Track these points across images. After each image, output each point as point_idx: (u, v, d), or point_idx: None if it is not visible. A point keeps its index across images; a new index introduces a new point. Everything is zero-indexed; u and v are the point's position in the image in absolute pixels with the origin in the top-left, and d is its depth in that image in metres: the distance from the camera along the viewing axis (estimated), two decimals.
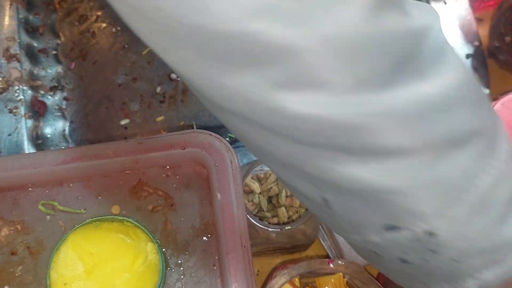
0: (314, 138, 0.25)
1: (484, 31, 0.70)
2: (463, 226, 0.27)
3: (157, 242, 0.42)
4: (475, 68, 0.66)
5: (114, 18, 0.70)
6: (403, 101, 0.24)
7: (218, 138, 0.46)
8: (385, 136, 0.24)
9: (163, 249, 0.43)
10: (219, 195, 0.44)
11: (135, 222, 0.42)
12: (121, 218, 0.42)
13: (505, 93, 0.68)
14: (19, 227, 0.44)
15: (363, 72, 0.23)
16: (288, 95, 0.23)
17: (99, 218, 0.42)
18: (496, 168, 0.26)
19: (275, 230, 0.49)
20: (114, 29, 0.70)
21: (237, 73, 0.24)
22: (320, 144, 0.25)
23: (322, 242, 0.57)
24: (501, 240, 0.27)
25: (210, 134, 0.46)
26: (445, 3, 0.69)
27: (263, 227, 0.49)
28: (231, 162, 0.45)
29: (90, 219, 0.42)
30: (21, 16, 0.68)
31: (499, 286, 0.29)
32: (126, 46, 0.69)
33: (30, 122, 0.65)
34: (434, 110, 0.25)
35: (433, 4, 0.69)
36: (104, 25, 0.70)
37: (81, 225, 0.42)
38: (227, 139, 0.65)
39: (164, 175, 0.46)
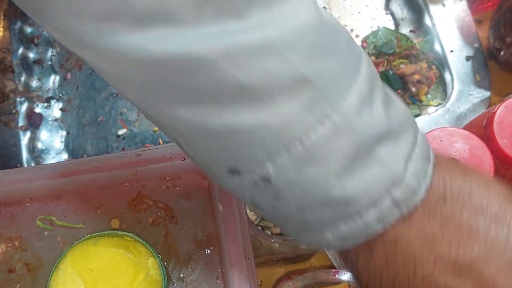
0: (133, 75, 0.25)
1: (483, 33, 0.69)
2: (296, 174, 0.26)
3: (158, 257, 0.41)
4: (476, 70, 0.66)
5: None
6: (210, 40, 0.23)
7: None
8: (197, 75, 0.24)
9: (165, 263, 0.42)
10: (220, 207, 0.43)
11: (135, 237, 0.41)
12: (121, 233, 0.41)
13: (507, 94, 0.67)
14: (16, 243, 0.43)
15: (166, 5, 0.23)
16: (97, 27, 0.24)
17: (98, 233, 0.41)
18: (335, 121, 0.25)
19: (279, 240, 0.48)
20: None
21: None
22: (143, 83, 0.25)
23: (326, 250, 0.56)
24: (345, 194, 0.26)
25: None
26: (444, 5, 0.69)
27: (266, 237, 0.48)
28: None
29: (89, 235, 0.41)
30: (15, 26, 0.68)
31: (362, 241, 0.28)
32: None
33: (26, 134, 0.64)
34: (249, 53, 0.24)
35: (431, 7, 0.69)
36: None
37: (80, 241, 0.41)
38: None
39: (164, 186, 0.45)
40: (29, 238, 0.44)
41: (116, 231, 0.42)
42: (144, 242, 0.41)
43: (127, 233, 0.41)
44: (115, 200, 0.45)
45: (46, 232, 0.44)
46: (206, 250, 0.43)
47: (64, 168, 0.44)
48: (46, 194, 0.44)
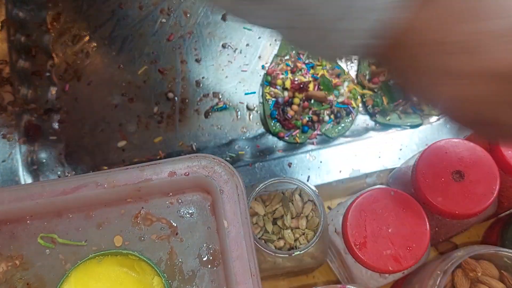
0: None
1: None
2: None
3: (164, 276, 0.40)
4: None
5: (109, 38, 0.68)
6: None
7: (222, 162, 0.45)
8: None
9: (169, 281, 0.42)
10: (225, 222, 0.42)
11: (140, 256, 0.41)
12: (125, 251, 0.41)
13: None
14: (17, 262, 0.42)
15: None
16: None
17: (102, 252, 0.41)
18: None
19: (284, 255, 0.47)
20: (108, 49, 0.68)
21: None
22: None
23: (329, 263, 0.56)
24: None
25: (214, 158, 0.45)
26: None
27: (270, 252, 0.47)
28: (237, 186, 0.44)
29: (92, 254, 0.41)
30: (12, 38, 0.67)
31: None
32: (121, 65, 0.67)
33: (24, 147, 0.63)
34: None
35: None
36: (98, 44, 0.68)
37: (83, 261, 0.40)
38: (228, 158, 0.64)
39: (167, 202, 0.45)
40: (30, 257, 0.43)
41: (120, 250, 0.41)
42: (149, 261, 0.40)
43: (131, 252, 0.41)
44: (118, 217, 0.44)
45: (47, 250, 0.43)
46: (211, 267, 0.43)
47: (66, 184, 0.43)
48: (48, 211, 0.44)
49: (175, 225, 0.44)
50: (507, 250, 0.46)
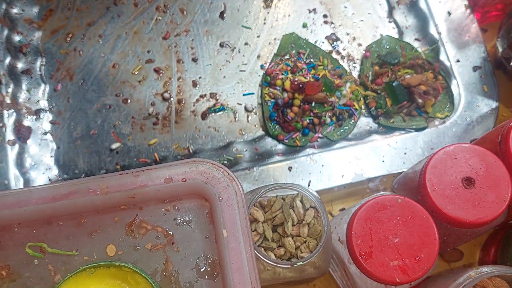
0: None
1: (489, 42, 0.67)
2: None
3: None
4: (483, 81, 0.63)
5: (102, 36, 0.66)
6: None
7: (221, 168, 0.42)
8: None
9: None
10: (225, 232, 0.40)
11: (134, 268, 0.38)
12: (118, 263, 0.38)
13: None
14: (4, 273, 0.40)
15: None
16: None
17: (93, 264, 0.38)
18: None
19: (286, 266, 0.45)
20: (102, 47, 0.66)
21: None
22: None
23: (332, 272, 0.53)
24: None
25: (212, 164, 0.43)
26: (449, 14, 0.67)
27: (271, 263, 0.45)
28: (236, 193, 0.42)
29: (83, 266, 0.38)
30: (2, 35, 0.64)
31: None
32: (115, 64, 0.65)
33: (14, 149, 0.60)
34: None
35: (436, 15, 0.67)
36: (91, 43, 0.66)
37: (73, 274, 0.38)
38: (225, 162, 0.62)
39: (163, 209, 0.42)
40: (18, 267, 0.40)
41: (113, 262, 0.39)
42: (143, 273, 0.38)
43: (124, 264, 0.38)
44: (111, 225, 0.42)
45: (36, 261, 0.40)
46: (209, 279, 0.40)
47: (56, 191, 0.41)
48: (36, 219, 0.41)
49: (171, 233, 0.42)
50: None
